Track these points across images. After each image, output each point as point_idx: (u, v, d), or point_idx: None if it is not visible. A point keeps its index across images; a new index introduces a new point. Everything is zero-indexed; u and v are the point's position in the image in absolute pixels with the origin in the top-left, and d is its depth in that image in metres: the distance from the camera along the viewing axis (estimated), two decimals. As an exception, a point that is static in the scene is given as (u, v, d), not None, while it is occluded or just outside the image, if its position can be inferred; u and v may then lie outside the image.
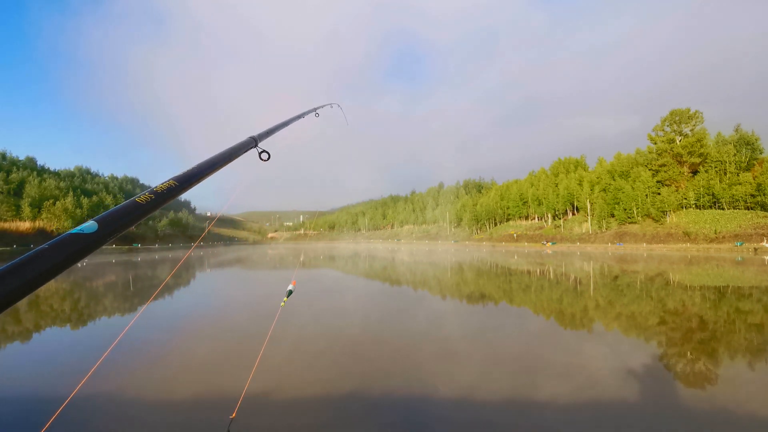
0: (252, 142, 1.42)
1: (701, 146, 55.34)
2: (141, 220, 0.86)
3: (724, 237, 45.78)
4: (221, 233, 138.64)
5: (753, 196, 48.05)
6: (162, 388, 5.61)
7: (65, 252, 0.67)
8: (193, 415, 4.70)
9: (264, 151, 1.47)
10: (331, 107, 3.73)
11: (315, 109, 2.83)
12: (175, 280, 21.35)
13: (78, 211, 63.61)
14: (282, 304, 3.01)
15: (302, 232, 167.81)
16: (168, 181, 0.98)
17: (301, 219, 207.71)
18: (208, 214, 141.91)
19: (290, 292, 3.10)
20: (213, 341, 8.19)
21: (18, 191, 62.36)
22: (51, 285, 17.96)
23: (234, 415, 2.56)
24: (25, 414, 4.81)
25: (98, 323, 10.46)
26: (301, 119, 2.39)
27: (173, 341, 8.30)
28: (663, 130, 59.85)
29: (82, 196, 69.20)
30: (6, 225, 54.37)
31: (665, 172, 57.36)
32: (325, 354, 7.03)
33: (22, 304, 12.88)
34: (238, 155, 1.31)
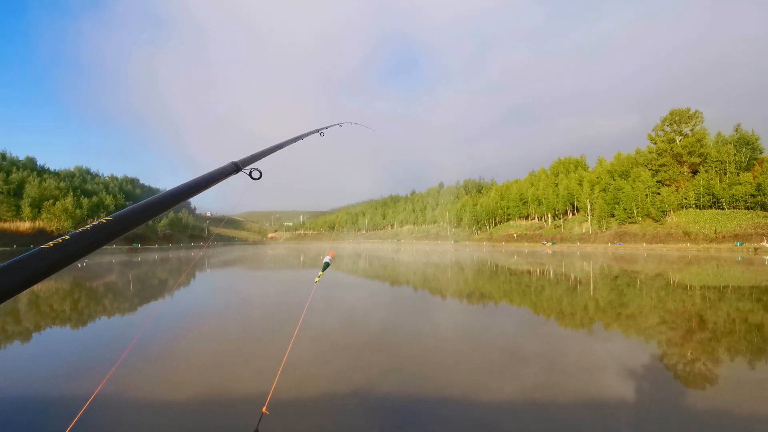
0: (233, 167, 1.37)
1: (701, 146, 55.36)
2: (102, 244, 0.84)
3: (724, 237, 45.79)
4: (221, 233, 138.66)
5: (753, 196, 48.06)
6: (184, 389, 5.62)
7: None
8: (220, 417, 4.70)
9: (255, 169, 1.45)
10: (340, 127, 3.34)
11: (320, 129, 2.61)
12: (187, 279, 21.35)
13: (78, 211, 63.58)
14: (317, 279, 2.60)
15: (302, 232, 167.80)
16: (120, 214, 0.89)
17: (301, 219, 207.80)
18: (208, 215, 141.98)
19: (326, 265, 2.68)
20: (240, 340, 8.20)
21: (18, 191, 62.30)
22: (60, 285, 17.96)
23: (264, 409, 2.08)
24: (45, 418, 4.81)
25: (118, 323, 10.47)
26: (301, 141, 2.23)
27: (187, 342, 8.31)
28: (663, 130, 59.87)
29: (82, 197, 69.15)
30: (6, 225, 54.36)
31: (665, 172, 57.38)
32: (343, 354, 7.04)
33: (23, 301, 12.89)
34: (218, 181, 1.26)
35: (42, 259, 0.69)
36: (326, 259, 2.67)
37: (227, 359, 6.93)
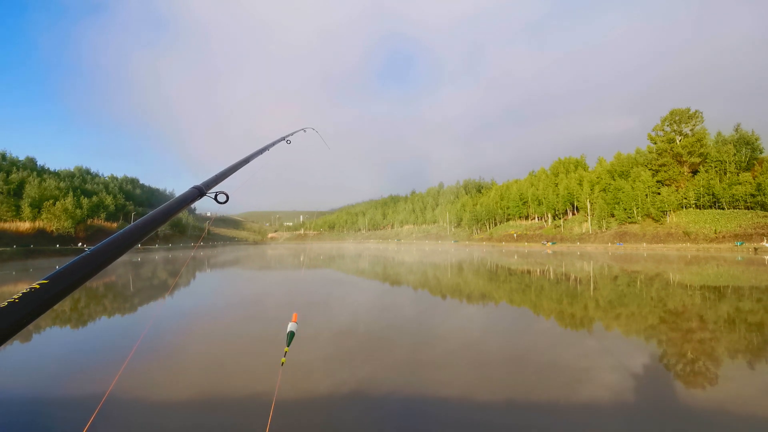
0: (196, 192, 1.31)
1: (701, 146, 55.35)
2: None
3: (724, 237, 45.79)
4: (221, 233, 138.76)
5: (753, 195, 48.04)
6: (183, 390, 5.62)
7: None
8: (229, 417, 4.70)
9: (220, 192, 1.38)
10: (305, 132, 3.39)
11: (285, 137, 2.60)
12: (185, 279, 21.36)
13: (78, 211, 63.56)
14: (283, 359, 1.78)
15: (302, 232, 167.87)
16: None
17: (301, 219, 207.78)
18: (208, 215, 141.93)
19: (292, 336, 1.85)
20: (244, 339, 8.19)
21: (18, 191, 62.27)
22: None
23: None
24: (53, 421, 4.81)
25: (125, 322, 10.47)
26: (267, 152, 2.17)
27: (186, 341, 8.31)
28: (663, 130, 59.87)
29: (82, 197, 69.13)
30: (6, 225, 54.28)
31: (665, 172, 57.37)
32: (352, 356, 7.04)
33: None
34: (180, 210, 1.19)
35: None
36: (290, 327, 1.94)
37: (230, 357, 6.93)
